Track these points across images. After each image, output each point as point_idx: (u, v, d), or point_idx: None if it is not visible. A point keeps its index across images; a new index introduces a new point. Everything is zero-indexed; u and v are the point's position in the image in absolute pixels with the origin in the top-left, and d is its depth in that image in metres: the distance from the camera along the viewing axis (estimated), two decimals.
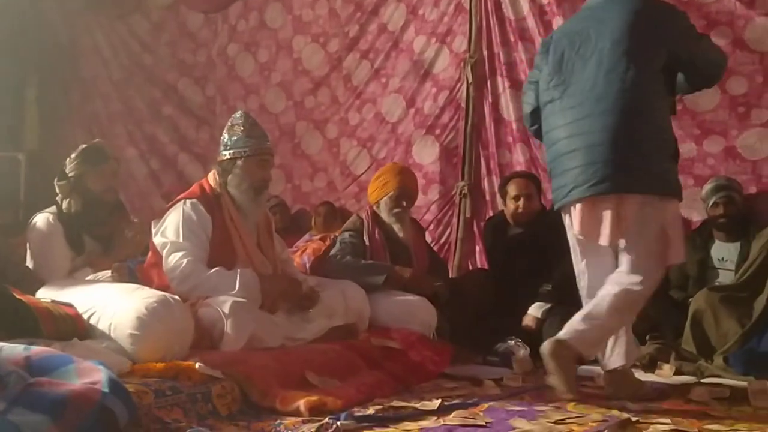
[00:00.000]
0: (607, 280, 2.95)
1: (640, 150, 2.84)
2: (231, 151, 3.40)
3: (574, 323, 2.92)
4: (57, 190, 3.53)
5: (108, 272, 3.42)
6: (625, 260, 2.92)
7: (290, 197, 5.93)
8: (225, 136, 3.46)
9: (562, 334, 2.91)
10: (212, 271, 3.21)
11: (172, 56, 6.52)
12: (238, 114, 3.53)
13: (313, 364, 3.00)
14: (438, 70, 5.36)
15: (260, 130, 3.48)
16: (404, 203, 4.13)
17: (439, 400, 2.77)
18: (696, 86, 3.10)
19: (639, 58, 2.86)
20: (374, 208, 4.18)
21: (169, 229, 3.30)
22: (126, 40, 6.72)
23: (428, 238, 4.90)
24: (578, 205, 2.95)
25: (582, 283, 3.13)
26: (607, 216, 2.88)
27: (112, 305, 2.90)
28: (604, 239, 2.91)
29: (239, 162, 3.39)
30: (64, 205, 3.51)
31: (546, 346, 2.86)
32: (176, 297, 2.93)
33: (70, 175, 3.52)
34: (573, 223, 3.01)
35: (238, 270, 3.22)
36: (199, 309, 3.06)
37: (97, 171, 3.52)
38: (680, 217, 3.07)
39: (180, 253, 3.22)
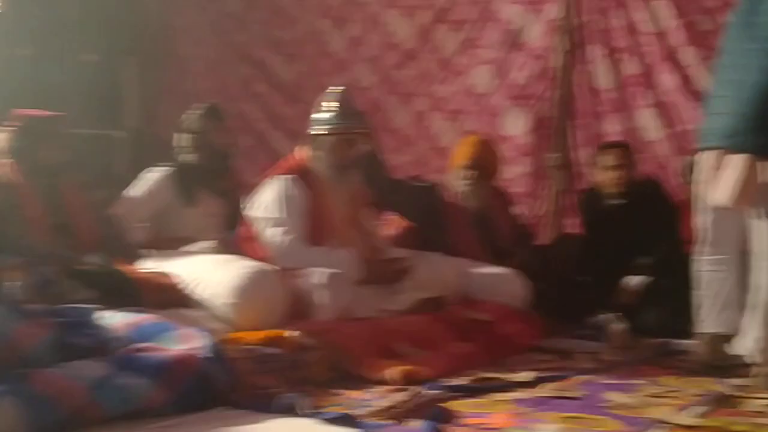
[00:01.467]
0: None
1: None
2: (319, 128, 3.43)
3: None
4: (181, 144, 3.72)
5: (207, 243, 3.52)
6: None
7: None
8: (317, 111, 3.49)
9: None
10: (313, 249, 3.26)
11: (264, 33, 6.60)
12: (333, 89, 3.54)
13: (404, 334, 3.03)
14: (529, 39, 5.25)
15: (350, 108, 3.49)
16: (475, 174, 4.05)
17: (533, 373, 2.75)
18: None
19: None
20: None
21: (266, 205, 3.36)
22: (219, 19, 6.84)
23: (520, 212, 4.83)
24: (708, 154, 2.85)
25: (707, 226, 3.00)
26: (734, 173, 2.73)
27: (210, 275, 3.00)
28: (727, 199, 2.76)
29: (326, 139, 3.41)
30: (188, 158, 3.70)
31: None
32: (273, 267, 3.00)
33: (194, 130, 3.68)
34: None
35: (340, 251, 3.26)
36: (294, 279, 3.12)
37: (219, 127, 3.76)
38: None
39: (280, 229, 3.28)
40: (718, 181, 2.77)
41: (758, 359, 2.77)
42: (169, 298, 3.02)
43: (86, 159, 4.77)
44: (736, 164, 2.71)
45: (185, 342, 2.30)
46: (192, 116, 3.77)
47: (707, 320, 2.95)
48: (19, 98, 4.43)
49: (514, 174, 5.08)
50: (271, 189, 3.37)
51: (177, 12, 7.09)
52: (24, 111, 3.50)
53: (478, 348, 3.16)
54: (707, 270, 2.98)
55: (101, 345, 2.30)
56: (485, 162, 4.14)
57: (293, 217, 3.30)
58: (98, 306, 2.60)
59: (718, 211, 2.90)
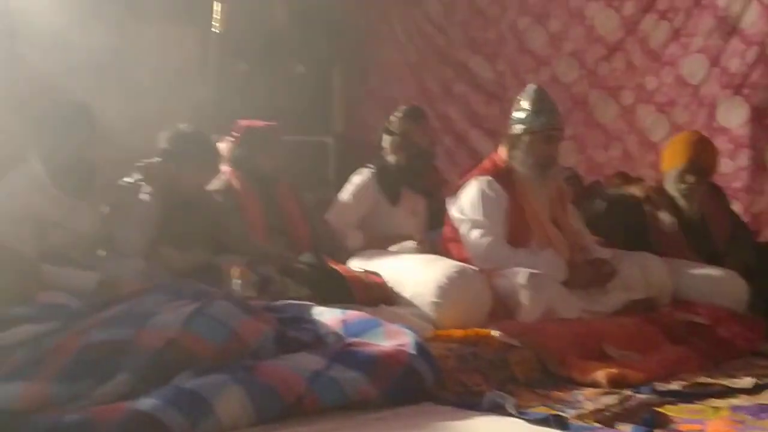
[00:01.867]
0: None
1: None
2: (518, 127, 3.42)
3: None
4: (385, 145, 3.88)
5: (411, 243, 3.62)
6: None
7: (584, 168, 5.79)
8: (514, 111, 3.48)
9: None
10: (515, 250, 3.26)
11: (463, 35, 6.66)
12: (529, 88, 3.52)
13: (612, 336, 2.94)
14: (746, 25, 4.91)
15: (549, 105, 3.45)
16: (693, 179, 3.81)
17: (753, 379, 2.57)
18: None
19: None
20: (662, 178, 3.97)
21: (467, 206, 3.39)
22: (420, 24, 6.99)
23: (738, 208, 4.53)
24: None
25: None
26: None
27: (415, 274, 3.09)
28: None
29: (525, 138, 3.39)
30: (392, 159, 3.85)
31: None
32: (475, 268, 3.03)
33: (397, 132, 3.83)
34: None
35: (542, 252, 3.25)
36: (496, 279, 3.14)
37: (421, 127, 3.88)
38: None
39: (480, 231, 3.30)
40: None
41: None
42: (376, 296, 3.14)
43: (298, 164, 5.06)
44: None
45: (393, 339, 2.37)
46: (395, 118, 3.90)
47: None
48: (236, 110, 4.78)
49: (731, 168, 4.78)
50: (470, 190, 3.40)
51: (378, 20, 7.33)
52: (242, 122, 3.78)
53: (692, 352, 3.00)
54: None
55: (317, 339, 2.43)
56: (705, 163, 3.86)
57: (492, 219, 3.31)
58: (312, 303, 2.75)
59: None
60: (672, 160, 3.88)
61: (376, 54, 7.36)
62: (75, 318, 2.40)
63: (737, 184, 4.85)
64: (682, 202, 3.86)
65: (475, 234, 3.30)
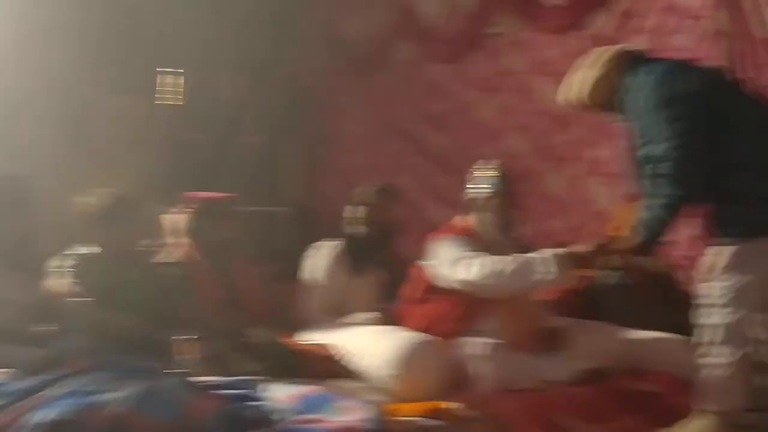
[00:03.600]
0: None
1: None
2: (476, 191, 3.51)
3: None
4: (355, 216, 3.91)
5: (365, 314, 3.60)
6: None
7: (533, 239, 5.85)
8: (473, 177, 3.58)
9: None
10: (510, 257, 3.22)
11: (415, 108, 6.77)
12: (485, 161, 3.63)
13: (569, 407, 2.94)
14: None
15: (507, 172, 3.57)
16: None
17: None
18: None
19: None
20: None
21: (448, 252, 3.35)
22: (371, 96, 7.09)
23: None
24: None
25: None
26: None
27: (372, 345, 3.06)
28: None
29: (484, 200, 3.48)
30: (362, 230, 3.88)
31: None
32: (435, 338, 3.03)
33: (371, 203, 3.91)
34: None
35: (537, 253, 3.22)
36: (455, 349, 3.12)
37: (393, 205, 4.00)
38: None
39: (468, 258, 3.26)
40: None
41: None
42: (330, 369, 3.10)
43: (253, 235, 5.04)
44: None
45: (349, 413, 2.34)
46: (368, 191, 3.98)
47: None
48: (190, 181, 4.77)
49: (680, 236, 4.88)
50: (443, 243, 3.40)
51: (333, 92, 7.43)
52: (199, 194, 3.77)
53: (645, 421, 3.01)
54: None
55: (266, 417, 2.38)
56: None
57: (475, 252, 3.30)
58: (264, 378, 2.70)
59: None
60: (620, 227, 3.99)
61: (330, 125, 7.44)
62: (18, 396, 2.31)
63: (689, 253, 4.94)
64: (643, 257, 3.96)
65: (463, 264, 3.24)
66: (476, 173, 3.56)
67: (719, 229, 2.81)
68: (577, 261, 3.10)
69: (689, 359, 3.50)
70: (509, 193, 3.48)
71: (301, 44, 7.39)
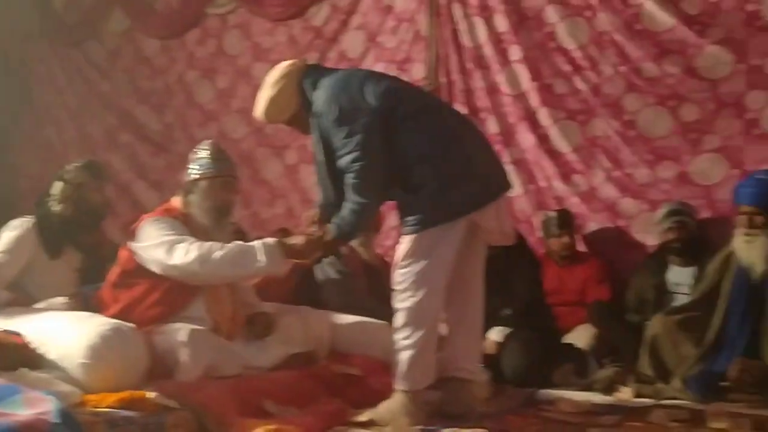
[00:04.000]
0: None
1: None
2: (195, 172, 3.37)
3: None
4: (53, 192, 3.58)
5: (60, 299, 3.35)
6: None
7: (249, 224, 5.87)
8: (191, 159, 3.43)
9: None
10: (230, 244, 3.14)
11: (129, 83, 6.47)
12: (205, 141, 3.51)
13: (272, 392, 2.95)
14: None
15: (225, 155, 3.47)
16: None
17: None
18: None
19: None
20: None
21: (155, 234, 3.19)
22: (81, 67, 6.66)
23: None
24: None
25: None
26: None
27: (62, 334, 2.83)
28: None
29: (202, 183, 3.34)
30: (56, 208, 3.55)
31: None
32: (130, 325, 2.88)
33: (71, 181, 3.58)
34: None
35: (260, 241, 3.16)
36: (154, 337, 3.00)
37: (98, 185, 3.66)
38: None
39: (185, 242, 3.13)
40: None
41: None
42: (17, 358, 2.83)
43: None
44: None
45: (33, 406, 2.15)
46: (72, 167, 3.67)
47: None
48: None
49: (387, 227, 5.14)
50: (151, 224, 3.24)
51: (36, 59, 6.88)
52: None
53: (348, 403, 3.12)
54: None
55: None
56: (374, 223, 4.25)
57: (185, 235, 3.18)
58: None
59: None
60: None
61: (30, 94, 6.88)
62: None
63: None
64: (361, 249, 4.26)
65: (179, 247, 3.11)
66: (192, 155, 3.44)
67: (402, 220, 3.01)
68: (289, 251, 3.13)
69: (388, 343, 3.72)
70: (225, 176, 3.39)
71: (5, 6, 6.72)
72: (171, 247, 3.13)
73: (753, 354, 3.48)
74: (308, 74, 3.12)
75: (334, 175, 3.03)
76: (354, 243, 4.24)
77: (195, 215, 3.34)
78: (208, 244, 3.13)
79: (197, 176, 3.36)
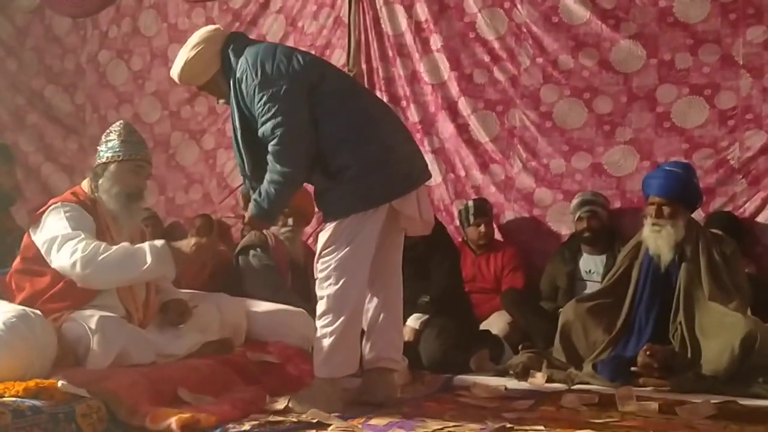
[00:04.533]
0: None
1: None
2: (104, 155, 3.25)
3: None
4: None
5: None
6: None
7: (164, 210, 5.75)
8: (102, 142, 3.30)
9: None
10: (117, 246, 3.03)
11: (38, 62, 6.23)
12: (118, 123, 3.39)
13: (186, 380, 2.90)
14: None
15: (138, 138, 3.34)
16: (291, 221, 4.20)
17: (322, 413, 2.73)
18: None
19: None
20: None
21: (53, 226, 3.07)
22: None
23: None
24: None
25: None
26: None
27: None
28: None
29: (112, 167, 3.22)
30: None
31: None
32: (37, 312, 2.77)
33: None
34: None
35: (147, 243, 3.07)
36: (63, 324, 2.90)
37: (6, 168, 3.48)
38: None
39: (74, 240, 3.00)
40: None
41: None
42: None
43: None
44: None
45: None
46: None
47: None
48: None
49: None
50: (52, 215, 3.11)
51: None
52: None
53: (264, 390, 3.09)
54: None
55: None
56: (302, 209, 4.19)
57: (83, 231, 3.05)
58: None
59: None
60: None
61: None
62: None
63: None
64: (287, 243, 4.23)
65: (69, 245, 2.99)
66: (103, 138, 3.32)
67: (321, 207, 2.98)
68: (178, 254, 3.08)
69: (308, 331, 3.71)
70: (135, 160, 3.26)
71: None
72: (61, 244, 3.02)
73: (661, 340, 3.60)
74: (233, 41, 3.05)
75: (250, 148, 2.96)
76: (281, 235, 4.20)
77: (103, 200, 3.23)
78: (95, 244, 3.00)
79: (106, 159, 3.24)
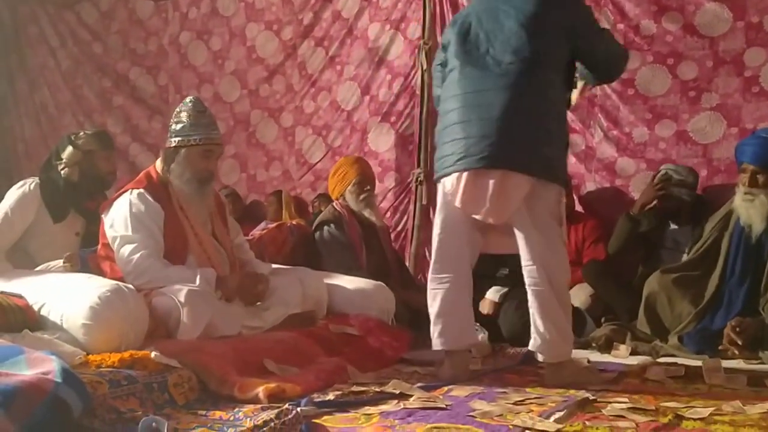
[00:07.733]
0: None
1: (532, 131, 2.80)
2: (175, 139, 3.31)
3: None
4: (62, 155, 3.61)
5: (59, 262, 3.35)
6: (524, 251, 2.92)
7: (245, 187, 5.87)
8: (172, 123, 3.36)
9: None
10: (171, 267, 3.15)
11: (122, 45, 6.41)
12: (188, 99, 3.40)
13: (271, 351, 2.96)
14: (393, 57, 5.35)
15: (208, 119, 3.36)
16: (368, 187, 4.23)
17: (404, 384, 2.75)
18: (599, 78, 3.10)
19: (543, 44, 2.84)
20: (341, 201, 4.21)
21: (117, 222, 3.22)
22: (74, 29, 6.59)
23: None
24: (464, 175, 2.87)
25: (434, 246, 3.09)
26: (490, 190, 2.84)
27: (64, 295, 2.84)
28: (487, 215, 2.89)
29: (182, 151, 3.29)
30: (64, 171, 3.59)
31: None
32: (130, 286, 2.88)
33: (80, 147, 3.62)
34: (452, 192, 2.95)
35: (197, 269, 3.17)
36: (154, 298, 3.01)
37: (106, 154, 3.71)
38: (562, 204, 2.94)
39: (131, 246, 3.14)
40: (477, 200, 2.87)
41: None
42: (19, 320, 2.83)
43: None
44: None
45: (36, 366, 2.15)
46: (83, 134, 3.71)
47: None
48: None
49: (379, 189, 5.14)
50: (120, 205, 3.24)
51: (28, 22, 6.80)
52: None
53: (346, 362, 3.14)
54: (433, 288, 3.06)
55: None
56: (371, 177, 4.32)
57: (143, 233, 3.16)
58: None
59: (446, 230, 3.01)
60: (345, 180, 4.18)
61: (24, 57, 6.82)
62: None
63: (385, 204, 5.25)
64: (367, 211, 4.21)
65: (126, 250, 3.14)
66: (173, 116, 3.38)
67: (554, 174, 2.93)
68: (221, 286, 3.20)
69: (387, 304, 3.75)
70: (205, 145, 3.30)
71: None
72: (120, 246, 3.18)
73: (751, 313, 3.50)
74: None
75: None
76: (360, 207, 4.21)
77: (174, 183, 3.32)
78: (148, 264, 3.11)
79: (177, 144, 3.31)
